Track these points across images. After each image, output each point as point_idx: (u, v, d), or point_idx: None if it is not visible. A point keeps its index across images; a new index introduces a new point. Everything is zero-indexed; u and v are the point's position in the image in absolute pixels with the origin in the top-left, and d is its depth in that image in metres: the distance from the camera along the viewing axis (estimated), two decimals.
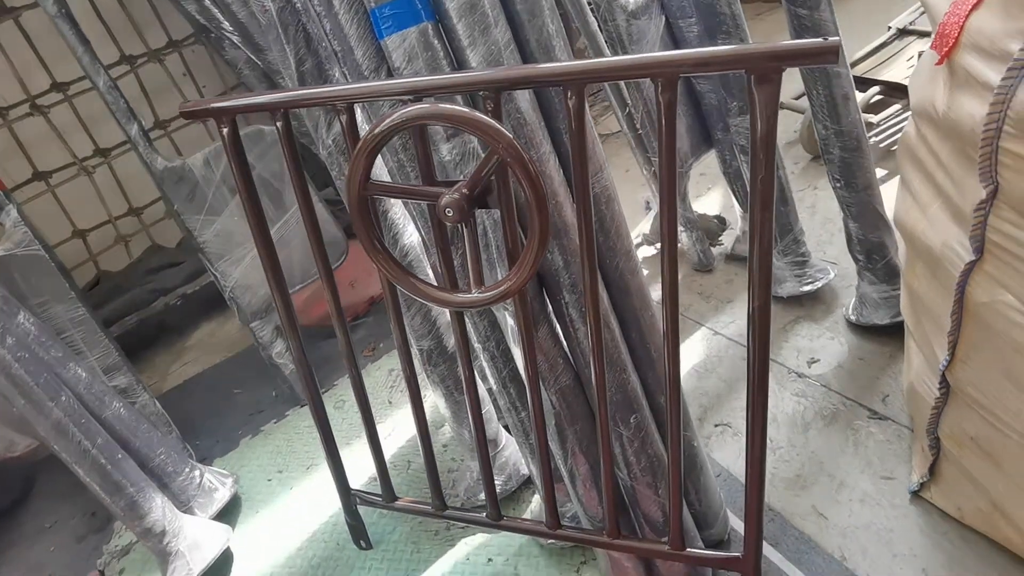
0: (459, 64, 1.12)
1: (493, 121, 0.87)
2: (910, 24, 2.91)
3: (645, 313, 1.28)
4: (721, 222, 2.29)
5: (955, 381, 1.21)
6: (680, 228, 2.25)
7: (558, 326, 1.24)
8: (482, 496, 1.63)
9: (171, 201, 1.96)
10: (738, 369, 1.89)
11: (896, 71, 2.82)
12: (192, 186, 1.98)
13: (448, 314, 1.56)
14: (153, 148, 1.95)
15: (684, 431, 1.39)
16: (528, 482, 1.67)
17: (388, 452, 1.92)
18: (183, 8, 1.94)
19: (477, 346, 1.37)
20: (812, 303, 2.00)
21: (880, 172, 2.41)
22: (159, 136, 2.59)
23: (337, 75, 1.34)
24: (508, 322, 1.24)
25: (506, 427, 1.72)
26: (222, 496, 1.78)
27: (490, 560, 1.52)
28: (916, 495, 1.45)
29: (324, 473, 1.89)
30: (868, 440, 1.60)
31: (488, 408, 1.62)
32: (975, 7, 0.98)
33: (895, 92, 2.59)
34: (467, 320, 1.26)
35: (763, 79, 0.83)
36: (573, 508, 1.45)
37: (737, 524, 1.50)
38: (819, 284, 1.96)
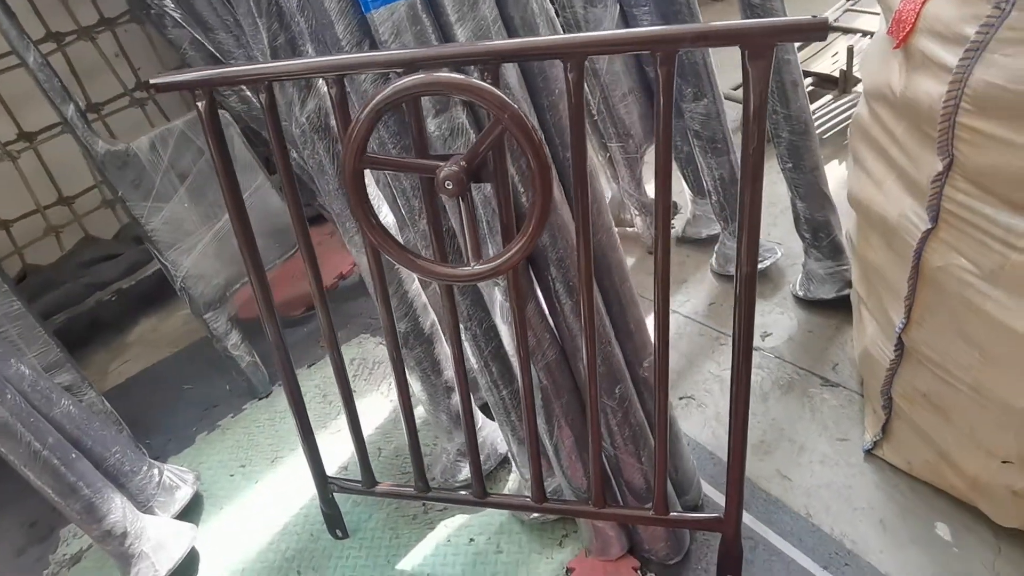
0: (447, 39, 1.12)
1: (499, 92, 0.88)
2: (834, 21, 3.09)
3: (624, 287, 1.32)
4: (674, 207, 2.37)
5: (910, 342, 1.30)
6: (634, 212, 2.32)
7: (543, 302, 1.27)
8: (460, 476, 1.63)
9: (115, 188, 1.85)
10: (696, 345, 1.97)
11: (823, 64, 2.99)
12: (138, 172, 1.87)
13: (425, 296, 1.56)
14: (92, 131, 1.83)
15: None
16: (505, 461, 1.68)
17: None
18: None
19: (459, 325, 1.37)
20: (761, 281, 2.10)
21: None
22: (93, 120, 2.43)
23: (311, 51, 1.30)
24: (496, 299, 1.24)
25: (481, 408, 1.73)
26: (184, 494, 1.70)
27: (472, 540, 1.53)
28: (869, 453, 1.56)
29: (289, 465, 1.84)
30: (823, 406, 1.70)
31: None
32: None
33: (825, 83, 2.75)
34: None
35: (756, 54, 0.88)
36: (554, 482, 1.47)
37: (708, 490, 1.57)
38: (768, 262, 2.06)
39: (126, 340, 2.50)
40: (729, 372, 1.88)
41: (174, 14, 2.03)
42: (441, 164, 0.99)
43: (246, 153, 2.10)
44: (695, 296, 2.13)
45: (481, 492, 1.37)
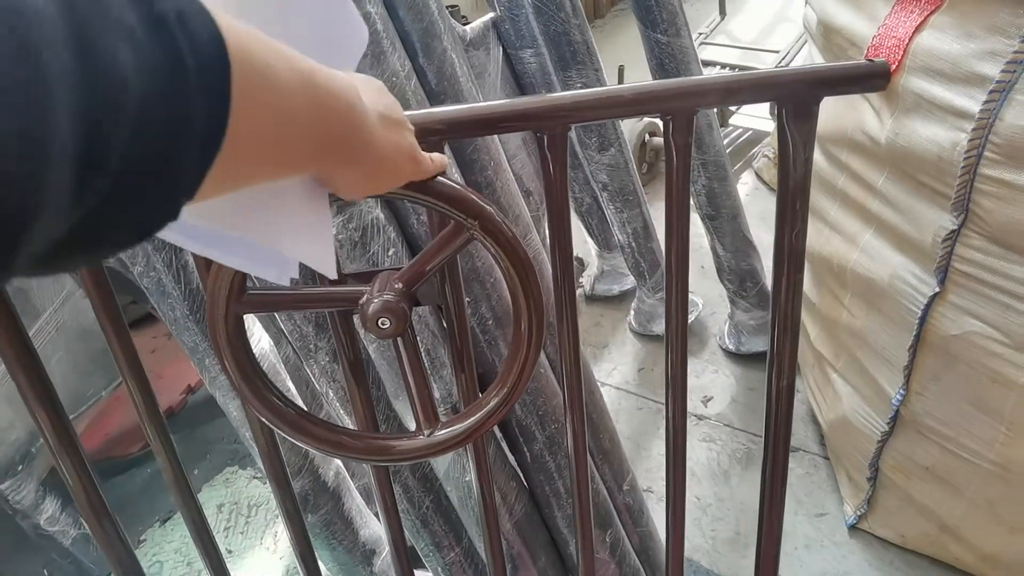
0: None
1: (467, 189, 0.57)
2: None
3: (592, 398, 1.05)
4: (580, 263, 2.16)
5: (909, 414, 1.15)
6: None
7: (502, 440, 0.96)
8: None
9: None
10: (637, 421, 1.74)
11: None
12: None
13: None
14: None
15: (647, 526, 1.17)
16: None
17: None
18: None
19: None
20: None
21: None
22: None
23: None
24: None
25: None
26: None
27: None
28: (854, 528, 1.40)
29: None
30: (788, 476, 1.53)
31: (386, 552, 1.24)
32: (919, 28, 0.92)
33: None
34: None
35: (800, 113, 0.65)
36: None
37: None
38: (692, 317, 1.90)
39: None
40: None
41: None
42: (362, 289, 0.66)
43: None
44: (621, 363, 1.91)
45: None
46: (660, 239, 1.84)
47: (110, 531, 0.90)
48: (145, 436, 0.90)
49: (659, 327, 1.91)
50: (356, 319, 0.73)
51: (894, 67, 0.95)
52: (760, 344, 1.78)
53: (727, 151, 2.76)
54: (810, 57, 1.32)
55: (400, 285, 0.65)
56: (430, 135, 0.64)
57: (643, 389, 1.82)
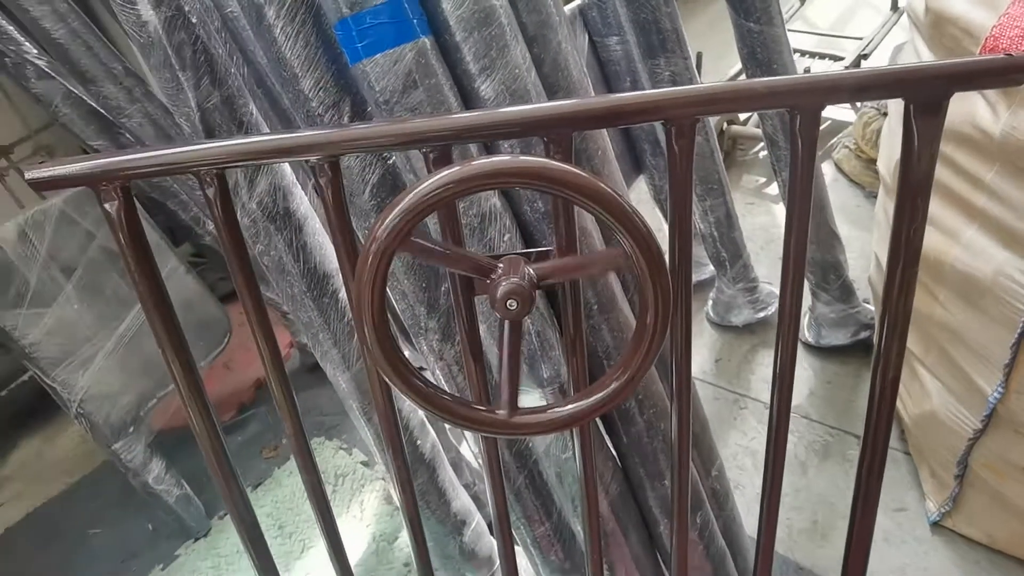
0: (464, 96, 0.83)
1: (619, 195, 0.60)
2: None
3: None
4: None
5: (1007, 412, 1.13)
6: None
7: (600, 421, 0.99)
8: None
9: None
10: (713, 411, 1.75)
11: None
12: (5, 269, 1.43)
13: (422, 411, 1.23)
14: None
15: (732, 511, 1.20)
16: None
17: None
18: None
19: (471, 450, 1.07)
20: (763, 329, 1.93)
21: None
22: None
23: (253, 111, 0.97)
24: None
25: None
26: None
27: None
28: (936, 525, 1.39)
29: None
30: None
31: (477, 520, 1.30)
32: None
33: None
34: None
35: (927, 109, 0.65)
36: None
37: None
38: (772, 309, 1.89)
39: (1, 473, 1.98)
40: (757, 442, 1.70)
41: (38, 62, 1.62)
42: (497, 266, 0.70)
43: (150, 231, 1.69)
44: (698, 352, 1.92)
45: None
46: (742, 228, 1.83)
47: (228, 475, 0.95)
48: (268, 386, 0.95)
49: (737, 318, 1.91)
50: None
51: None
52: (840, 338, 1.76)
53: None
54: (912, 46, 1.29)
55: (531, 269, 0.69)
56: (558, 127, 0.67)
57: (720, 379, 1.83)
